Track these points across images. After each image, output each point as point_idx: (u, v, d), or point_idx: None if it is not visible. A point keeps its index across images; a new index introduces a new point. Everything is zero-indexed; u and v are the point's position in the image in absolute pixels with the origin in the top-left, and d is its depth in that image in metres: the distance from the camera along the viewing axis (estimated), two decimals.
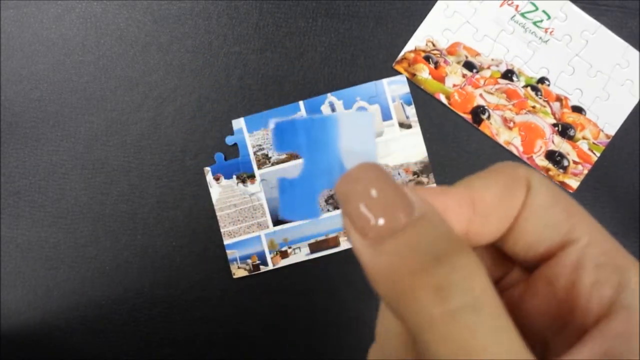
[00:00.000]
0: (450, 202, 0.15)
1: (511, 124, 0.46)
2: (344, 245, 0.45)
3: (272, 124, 0.16)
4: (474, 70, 0.46)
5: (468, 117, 0.46)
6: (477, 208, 0.15)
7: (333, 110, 0.46)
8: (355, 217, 0.14)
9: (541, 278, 0.16)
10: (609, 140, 0.46)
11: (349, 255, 0.45)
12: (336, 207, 0.45)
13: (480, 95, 0.46)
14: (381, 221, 0.14)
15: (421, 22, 0.46)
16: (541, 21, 0.46)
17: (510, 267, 0.18)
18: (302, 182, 0.16)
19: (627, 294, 0.14)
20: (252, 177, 0.46)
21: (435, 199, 0.15)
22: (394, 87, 0.46)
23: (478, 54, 0.46)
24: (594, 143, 0.46)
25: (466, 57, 0.46)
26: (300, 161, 0.46)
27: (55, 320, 0.46)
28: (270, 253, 0.45)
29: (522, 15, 0.46)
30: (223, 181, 0.46)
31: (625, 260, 0.15)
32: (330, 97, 0.46)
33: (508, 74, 0.46)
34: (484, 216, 0.16)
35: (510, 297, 0.17)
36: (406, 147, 0.46)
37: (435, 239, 0.13)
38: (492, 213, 0.16)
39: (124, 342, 0.46)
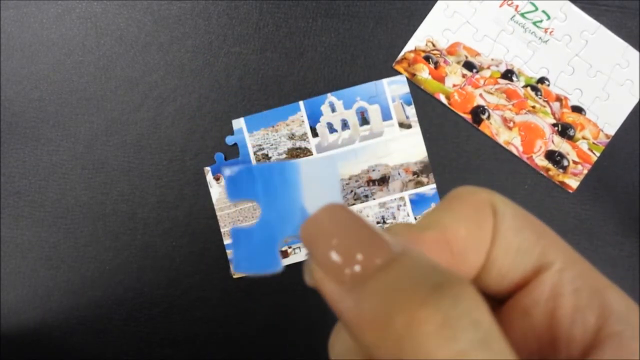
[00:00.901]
0: (427, 248, 0.14)
1: (511, 124, 0.46)
2: None
3: (226, 172, 0.15)
4: (474, 70, 0.46)
5: (468, 117, 0.46)
6: (454, 248, 0.14)
7: (333, 110, 0.46)
8: (326, 264, 0.13)
9: (515, 309, 0.15)
10: (608, 140, 0.46)
11: None
12: None
13: (480, 95, 0.46)
14: (357, 267, 0.12)
15: (421, 22, 0.46)
16: (541, 21, 0.46)
17: None
18: (259, 231, 0.14)
19: (613, 319, 0.13)
20: None
21: (411, 244, 0.13)
22: (394, 87, 0.46)
23: (478, 54, 0.46)
24: (593, 143, 0.46)
25: (466, 57, 0.46)
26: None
27: (55, 320, 0.46)
28: None
29: (522, 15, 0.46)
30: (223, 181, 0.46)
31: (602, 282, 0.14)
32: (330, 97, 0.46)
33: (508, 74, 0.46)
34: (461, 255, 0.14)
35: None
36: (406, 147, 0.46)
37: (428, 270, 0.12)
38: (468, 250, 0.14)
39: (124, 342, 0.46)
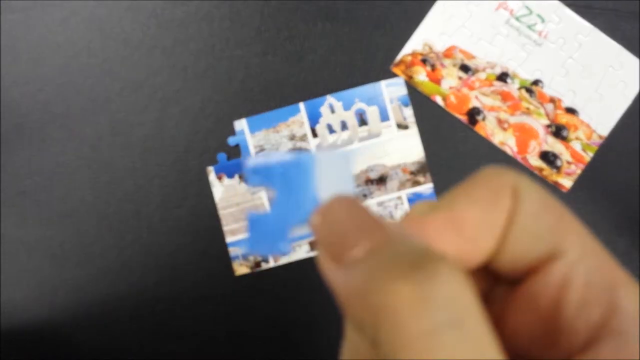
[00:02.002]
0: (432, 232, 0.14)
1: (506, 125, 0.47)
2: None
3: (248, 161, 0.15)
4: (470, 73, 0.47)
5: (464, 118, 0.47)
6: (463, 232, 0.14)
7: (332, 111, 0.47)
8: (328, 248, 0.13)
9: (525, 294, 0.14)
10: (602, 141, 0.47)
11: None
12: None
13: (476, 97, 0.47)
14: (354, 249, 0.13)
15: (418, 25, 0.47)
16: (535, 25, 0.47)
17: (495, 282, 0.16)
18: (273, 217, 0.15)
19: (618, 318, 0.13)
20: None
21: (416, 230, 0.14)
22: (392, 89, 0.47)
23: (473, 57, 0.47)
24: (587, 143, 0.47)
25: (462, 60, 0.47)
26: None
27: (61, 317, 0.46)
28: None
29: (517, 18, 0.47)
30: (226, 180, 0.47)
31: (616, 276, 0.13)
32: (330, 98, 0.47)
33: (503, 77, 0.47)
34: (471, 239, 0.14)
35: (491, 314, 0.15)
36: (404, 148, 0.47)
37: (413, 251, 0.12)
38: (479, 234, 0.14)
39: (129, 338, 0.46)
